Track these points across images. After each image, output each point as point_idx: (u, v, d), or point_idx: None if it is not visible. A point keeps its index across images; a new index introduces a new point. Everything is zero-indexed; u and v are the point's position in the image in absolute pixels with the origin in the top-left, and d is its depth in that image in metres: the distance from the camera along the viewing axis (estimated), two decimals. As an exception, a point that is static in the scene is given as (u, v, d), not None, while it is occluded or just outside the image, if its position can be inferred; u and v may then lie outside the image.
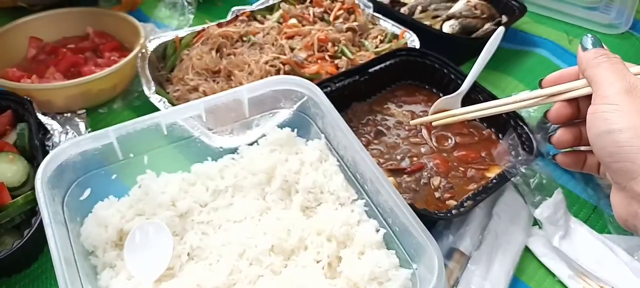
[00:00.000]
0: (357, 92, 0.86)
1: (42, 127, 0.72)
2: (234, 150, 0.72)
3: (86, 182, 0.63)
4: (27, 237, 0.61)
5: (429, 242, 0.55)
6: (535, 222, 0.76)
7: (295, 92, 0.71)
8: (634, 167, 0.44)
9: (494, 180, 0.74)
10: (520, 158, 0.75)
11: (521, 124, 0.79)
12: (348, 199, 0.66)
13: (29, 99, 0.74)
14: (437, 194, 0.75)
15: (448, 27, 1.03)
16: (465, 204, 0.70)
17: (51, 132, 0.72)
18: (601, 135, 0.46)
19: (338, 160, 0.69)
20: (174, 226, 0.65)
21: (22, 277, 0.67)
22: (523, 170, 0.72)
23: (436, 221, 0.71)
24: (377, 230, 0.63)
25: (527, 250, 0.74)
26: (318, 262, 0.63)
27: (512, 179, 0.72)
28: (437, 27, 1.04)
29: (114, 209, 0.65)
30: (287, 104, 0.73)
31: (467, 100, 0.84)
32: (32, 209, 0.66)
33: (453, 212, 0.69)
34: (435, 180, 0.76)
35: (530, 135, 0.78)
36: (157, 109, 0.78)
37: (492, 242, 0.72)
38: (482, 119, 0.85)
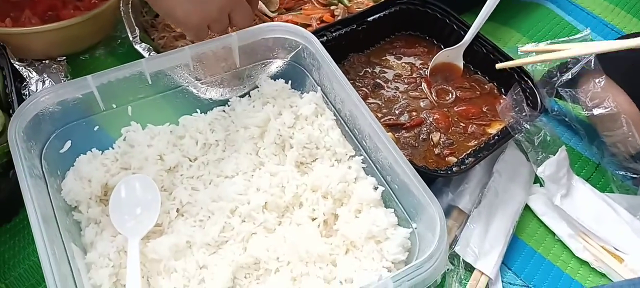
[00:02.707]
0: (355, 43, 0.81)
1: (18, 74, 0.68)
2: (224, 103, 0.68)
3: (66, 133, 0.59)
4: (1, 190, 0.57)
5: (431, 201, 0.52)
6: (536, 180, 0.74)
7: (290, 40, 0.67)
8: None
9: (496, 137, 0.71)
10: (524, 114, 0.72)
11: (526, 78, 0.76)
12: (345, 155, 0.63)
13: (2, 44, 0.69)
14: (436, 150, 0.72)
15: (451, -25, 0.97)
16: (466, 161, 0.67)
17: (27, 79, 0.67)
18: None
19: (335, 115, 0.65)
20: (161, 181, 0.61)
21: (3, 232, 0.64)
22: (527, 127, 0.69)
23: (435, 178, 0.68)
24: (375, 188, 0.60)
25: (527, 208, 0.73)
26: (313, 219, 0.60)
27: (516, 136, 0.69)
28: (439, -26, 0.98)
29: (98, 163, 0.61)
30: (281, 54, 0.68)
31: (469, 53, 0.81)
32: (9, 162, 0.61)
33: (454, 169, 0.66)
34: (435, 136, 0.73)
35: (535, 91, 0.74)
36: (142, 57, 0.74)
37: (492, 200, 0.70)
38: (484, 73, 0.82)
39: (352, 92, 0.60)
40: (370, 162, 0.61)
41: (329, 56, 0.63)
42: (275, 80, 0.68)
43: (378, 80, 0.79)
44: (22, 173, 0.51)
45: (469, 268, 0.65)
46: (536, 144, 0.70)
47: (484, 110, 0.78)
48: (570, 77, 0.72)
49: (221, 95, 0.68)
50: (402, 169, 0.55)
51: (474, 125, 0.75)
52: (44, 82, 0.67)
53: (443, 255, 0.50)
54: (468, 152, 0.71)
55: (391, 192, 0.59)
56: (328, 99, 0.66)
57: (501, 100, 0.78)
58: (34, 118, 0.55)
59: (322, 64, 0.63)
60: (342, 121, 0.64)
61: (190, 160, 0.64)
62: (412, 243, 0.57)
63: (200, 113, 0.67)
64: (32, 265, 0.62)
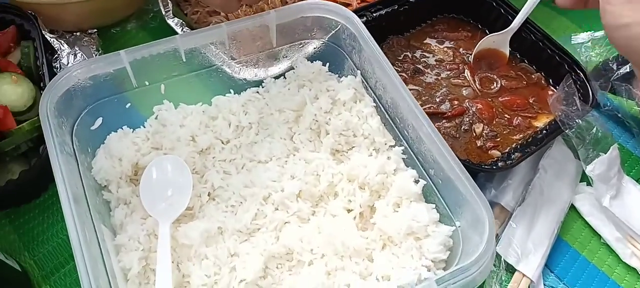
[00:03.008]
0: (395, 24, 0.77)
1: (49, 46, 0.66)
2: (258, 83, 0.66)
3: (97, 109, 0.58)
4: (32, 166, 0.56)
5: (479, 200, 0.49)
6: (582, 178, 0.70)
7: (329, 20, 0.63)
8: None
9: (545, 131, 0.67)
10: (574, 108, 0.67)
11: (577, 69, 0.71)
12: (384, 145, 0.60)
13: (34, 14, 0.67)
14: (478, 143, 0.68)
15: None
16: (512, 156, 0.63)
17: (58, 52, 0.65)
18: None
19: (375, 101, 0.62)
20: (193, 163, 0.59)
21: (32, 207, 0.63)
22: (579, 122, 0.65)
23: (478, 173, 0.65)
24: (416, 181, 0.57)
25: (572, 208, 0.69)
26: (349, 211, 0.57)
27: (566, 131, 0.65)
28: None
29: (129, 141, 0.60)
30: (319, 34, 0.65)
31: (516, 40, 0.76)
32: (40, 136, 0.60)
33: (499, 164, 0.62)
34: (478, 127, 0.69)
35: (587, 83, 0.70)
36: (174, 32, 0.71)
37: (536, 198, 0.66)
38: (532, 62, 0.77)
39: (395, 78, 0.56)
40: (412, 153, 0.58)
41: (372, 38, 0.59)
42: (312, 62, 0.65)
43: (418, 66, 0.75)
44: (53, 150, 0.49)
45: (510, 270, 0.62)
46: (587, 141, 0.66)
47: (531, 101, 0.73)
48: (628, 69, 0.67)
49: (255, 76, 0.65)
50: (448, 163, 0.52)
51: (520, 118, 0.71)
52: (75, 55, 0.65)
53: (490, 259, 0.47)
54: (514, 146, 0.67)
55: (433, 187, 0.56)
56: (368, 84, 0.62)
57: (550, 92, 0.74)
58: (65, 93, 0.53)
59: (364, 47, 0.60)
60: (382, 108, 0.61)
61: (223, 143, 0.62)
62: (454, 242, 0.54)
63: (234, 94, 0.64)
64: (61, 243, 0.61)
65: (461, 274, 0.46)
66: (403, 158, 0.59)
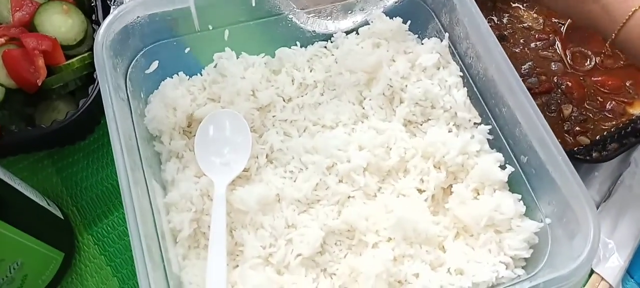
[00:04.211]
0: (482, -19, 0.68)
1: (101, -26, 0.60)
2: (327, 37, 0.59)
3: (154, 52, 0.52)
4: (82, 109, 0.51)
5: (586, 201, 0.42)
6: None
7: (417, -31, 0.55)
8: None
9: (646, 121, 0.59)
10: (682, 97, 0.59)
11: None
12: (468, 122, 0.53)
13: (86, -64, 0.61)
14: (565, 126, 0.61)
15: None
16: (609, 146, 0.56)
17: (113, -18, 0.59)
18: None
19: (462, 70, 0.54)
20: (252, 120, 0.54)
21: (77, 150, 0.59)
22: (689, 116, 0.57)
23: (566, 161, 0.58)
24: (503, 167, 0.50)
25: (660, 209, 0.61)
26: (421, 191, 0.51)
27: (674, 125, 0.57)
28: None
29: (184, 88, 0.54)
30: (402, -14, 0.57)
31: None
32: (89, 75, 0.55)
33: (593, 154, 0.55)
34: (567, 109, 0.62)
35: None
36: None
37: (624, 195, 0.60)
38: (632, 39, 0.68)
39: (495, 47, 0.48)
40: (500, 134, 0.51)
41: (472, -1, 0.51)
42: (391, 18, 0.57)
43: (504, 32, 0.67)
44: (107, 95, 0.44)
45: (588, 271, 0.56)
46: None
47: (627, 84, 0.65)
48: None
49: (326, 28, 0.58)
50: (549, 152, 0.45)
51: (613, 102, 0.63)
52: (132, -12, 0.58)
53: (587, 272, 0.41)
54: (605, 134, 0.60)
55: (522, 175, 0.49)
56: (456, 50, 0.55)
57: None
58: (122, 31, 0.47)
59: (458, 5, 0.52)
60: (470, 79, 0.54)
61: (284, 101, 0.56)
62: (540, 241, 0.48)
63: (300, 46, 0.58)
64: (105, 192, 0.57)
65: (559, 284, 0.40)
66: (488, 139, 0.52)
